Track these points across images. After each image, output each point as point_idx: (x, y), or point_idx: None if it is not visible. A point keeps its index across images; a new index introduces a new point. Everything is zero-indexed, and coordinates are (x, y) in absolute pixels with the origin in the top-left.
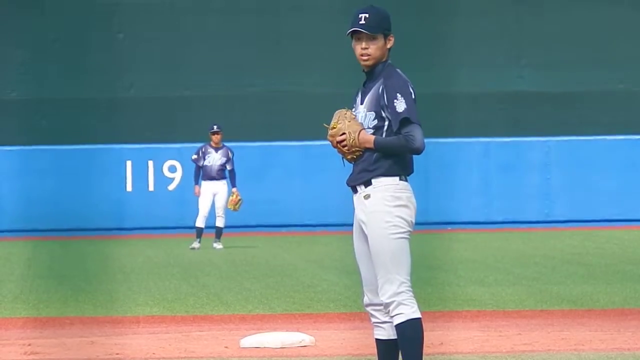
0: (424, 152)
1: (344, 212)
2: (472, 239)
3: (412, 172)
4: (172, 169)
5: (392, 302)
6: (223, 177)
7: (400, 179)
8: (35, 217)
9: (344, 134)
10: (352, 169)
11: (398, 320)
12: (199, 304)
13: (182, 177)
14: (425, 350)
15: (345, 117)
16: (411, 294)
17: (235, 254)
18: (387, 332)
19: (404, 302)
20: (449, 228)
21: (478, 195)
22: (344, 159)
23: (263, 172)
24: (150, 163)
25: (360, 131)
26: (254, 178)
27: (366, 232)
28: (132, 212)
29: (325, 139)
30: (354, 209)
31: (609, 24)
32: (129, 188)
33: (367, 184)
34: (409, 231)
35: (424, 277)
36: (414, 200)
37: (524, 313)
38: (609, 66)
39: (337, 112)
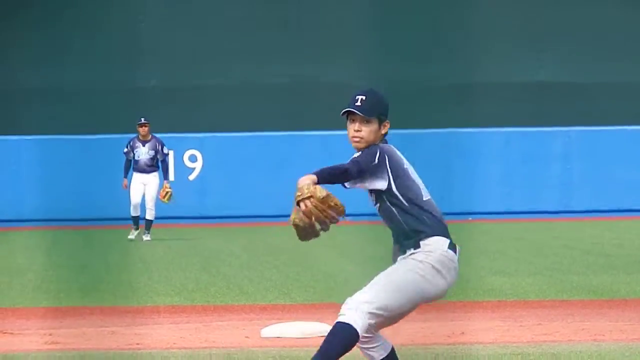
0: (445, 143)
1: (365, 202)
2: (493, 229)
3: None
4: (193, 158)
5: (350, 306)
6: (154, 169)
7: (449, 247)
8: (56, 207)
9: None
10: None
11: (339, 319)
12: (220, 293)
13: (202, 166)
14: (446, 340)
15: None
16: (370, 322)
17: (256, 244)
18: (378, 354)
19: (358, 311)
20: (471, 218)
21: (499, 185)
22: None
23: (284, 162)
24: (171, 153)
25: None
26: (275, 168)
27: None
28: None
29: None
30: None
31: (630, 15)
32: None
33: (417, 246)
34: (429, 290)
35: None
36: (454, 274)
37: (545, 303)
38: (631, 57)
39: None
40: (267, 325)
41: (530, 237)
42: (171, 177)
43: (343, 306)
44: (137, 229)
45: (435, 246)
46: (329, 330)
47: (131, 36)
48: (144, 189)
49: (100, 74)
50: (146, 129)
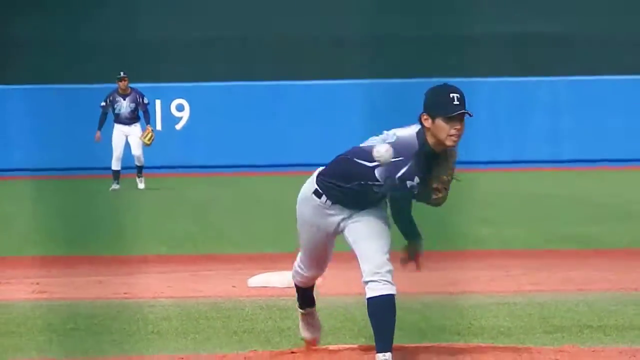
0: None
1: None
2: (481, 178)
3: None
4: (180, 107)
5: (387, 278)
6: (135, 121)
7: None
8: (44, 156)
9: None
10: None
11: (385, 291)
12: (207, 243)
13: (189, 116)
14: (435, 289)
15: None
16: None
17: (243, 193)
18: None
19: (390, 277)
20: (457, 167)
21: (487, 135)
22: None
23: (271, 111)
24: (158, 102)
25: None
26: (262, 118)
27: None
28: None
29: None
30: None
31: None
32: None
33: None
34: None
35: (433, 217)
36: None
37: (531, 253)
38: (617, 8)
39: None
40: (253, 275)
41: (518, 187)
42: (158, 126)
43: (376, 276)
44: (118, 183)
45: None
46: (377, 306)
47: None
48: (125, 140)
49: (89, 26)
50: (126, 82)
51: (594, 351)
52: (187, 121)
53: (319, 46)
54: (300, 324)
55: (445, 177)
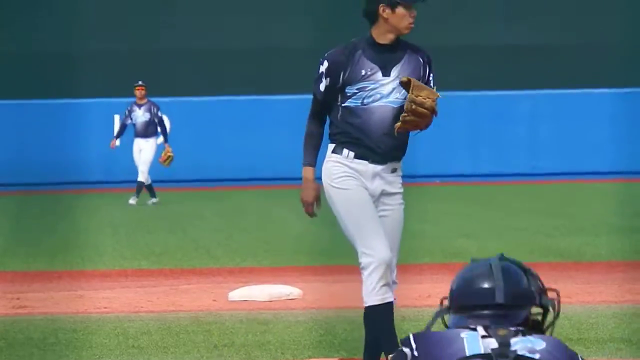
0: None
1: None
2: (460, 191)
3: None
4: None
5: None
6: (151, 134)
7: None
8: (24, 170)
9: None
10: (377, 140)
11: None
12: (188, 257)
13: (170, 130)
14: (413, 302)
15: (419, 85)
16: None
17: (224, 207)
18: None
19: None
20: (438, 181)
21: (466, 148)
22: (403, 127)
23: (251, 125)
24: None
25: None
26: (242, 132)
27: (385, 203)
28: (120, 165)
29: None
30: (355, 173)
31: None
32: (116, 141)
33: (398, 160)
34: None
35: (413, 230)
36: None
37: None
38: (596, 20)
39: (406, 78)
40: (234, 289)
41: (498, 200)
42: None
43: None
44: (137, 196)
45: None
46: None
47: (97, 1)
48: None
49: (67, 39)
50: (142, 91)
51: None
52: (168, 135)
53: (302, 59)
54: None
55: (412, 94)
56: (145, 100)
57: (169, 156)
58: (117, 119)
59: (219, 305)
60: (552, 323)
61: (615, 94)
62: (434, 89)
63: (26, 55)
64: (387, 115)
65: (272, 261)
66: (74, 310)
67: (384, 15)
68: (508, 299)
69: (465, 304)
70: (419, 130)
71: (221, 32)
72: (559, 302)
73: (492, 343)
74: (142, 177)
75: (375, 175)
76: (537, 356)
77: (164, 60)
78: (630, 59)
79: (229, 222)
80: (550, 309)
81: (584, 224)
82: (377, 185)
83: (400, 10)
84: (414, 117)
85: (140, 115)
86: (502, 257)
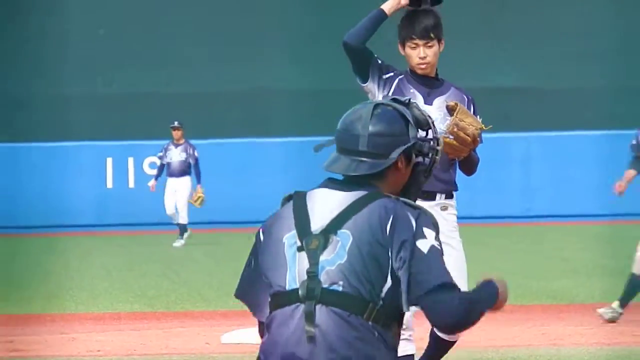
0: None
1: None
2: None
3: None
4: (153, 165)
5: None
6: (185, 174)
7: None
8: (16, 213)
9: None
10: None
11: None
12: (180, 300)
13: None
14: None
15: (465, 111)
16: None
17: (217, 250)
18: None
19: None
20: None
21: (461, 190)
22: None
23: (245, 168)
24: (131, 160)
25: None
26: (236, 174)
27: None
28: (112, 208)
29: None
30: None
31: (588, 19)
32: (109, 185)
33: (449, 195)
34: None
35: None
36: None
37: (504, 307)
38: (590, 61)
39: (454, 103)
40: (227, 332)
41: (491, 242)
42: (131, 183)
43: None
44: (181, 237)
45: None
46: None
47: (90, 42)
48: (175, 197)
49: (59, 80)
50: (179, 132)
51: None
52: (160, 178)
53: (295, 101)
54: None
55: (456, 117)
56: (182, 141)
57: (200, 197)
58: (155, 160)
59: (212, 349)
60: (425, 171)
61: (611, 136)
62: (480, 120)
63: (14, 97)
64: None
65: None
66: (67, 353)
67: (403, 54)
68: (370, 146)
69: (339, 145)
70: (456, 158)
71: (214, 75)
72: (434, 149)
73: (304, 259)
74: (183, 219)
75: None
76: (340, 289)
77: (155, 103)
78: (614, 101)
79: (221, 264)
80: (424, 157)
81: (577, 265)
82: None
83: (407, 49)
84: (454, 141)
85: (177, 155)
86: (387, 102)
